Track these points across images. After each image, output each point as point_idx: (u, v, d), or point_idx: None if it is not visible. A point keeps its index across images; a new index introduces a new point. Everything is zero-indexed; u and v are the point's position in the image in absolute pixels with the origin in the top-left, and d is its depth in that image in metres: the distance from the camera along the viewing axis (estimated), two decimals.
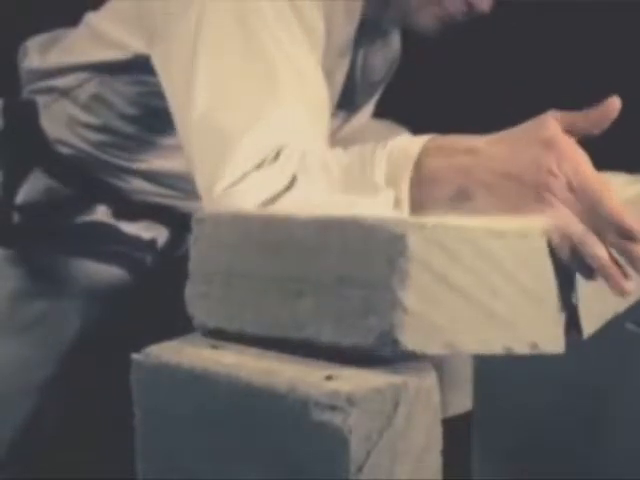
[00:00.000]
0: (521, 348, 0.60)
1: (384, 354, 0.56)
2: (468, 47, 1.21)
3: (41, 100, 1.15)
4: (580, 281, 0.65)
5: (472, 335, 0.58)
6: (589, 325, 0.67)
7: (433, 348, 0.56)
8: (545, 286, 0.63)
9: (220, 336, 0.63)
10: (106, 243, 1.17)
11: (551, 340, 0.63)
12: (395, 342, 0.55)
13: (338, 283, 0.57)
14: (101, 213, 1.16)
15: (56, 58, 1.15)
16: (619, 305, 0.74)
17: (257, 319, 0.61)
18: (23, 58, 1.19)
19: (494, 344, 0.59)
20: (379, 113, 1.39)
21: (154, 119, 1.09)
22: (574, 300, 0.65)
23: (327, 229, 0.59)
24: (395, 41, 1.26)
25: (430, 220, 0.58)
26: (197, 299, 0.65)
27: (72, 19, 1.20)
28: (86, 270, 1.18)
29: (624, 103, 0.66)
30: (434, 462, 0.57)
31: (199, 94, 0.84)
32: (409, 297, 0.55)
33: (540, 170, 0.64)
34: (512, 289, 0.60)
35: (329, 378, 0.54)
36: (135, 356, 0.59)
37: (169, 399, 0.58)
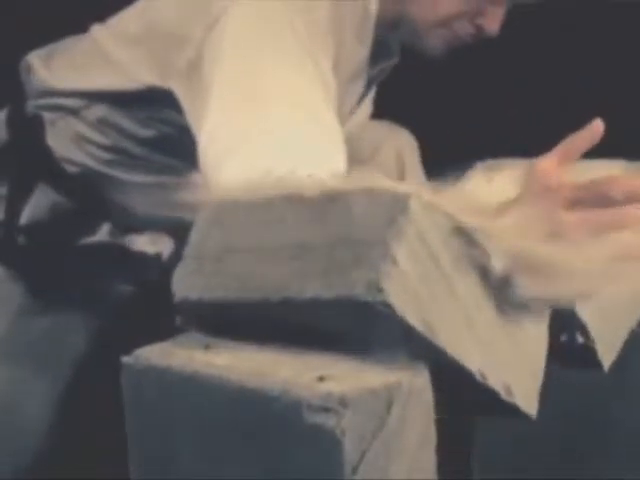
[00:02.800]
0: (495, 382, 0.59)
1: (365, 303, 0.54)
2: (468, 47, 1.21)
3: (47, 116, 1.14)
4: (590, 318, 0.66)
5: (450, 333, 0.57)
6: (608, 356, 0.67)
7: (412, 317, 0.55)
8: (529, 336, 0.63)
9: (208, 324, 0.63)
10: (110, 262, 1.17)
11: (525, 396, 0.62)
12: (380, 291, 0.54)
13: (333, 245, 0.57)
14: (105, 232, 1.16)
15: (63, 77, 1.14)
16: (632, 321, 0.73)
17: (241, 285, 0.60)
18: (27, 73, 1.18)
19: (470, 359, 0.58)
20: (379, 113, 1.39)
21: (163, 142, 1.09)
22: (580, 340, 0.65)
23: (332, 201, 0.59)
24: (395, 51, 1.26)
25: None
26: (184, 276, 0.64)
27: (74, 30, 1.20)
28: (90, 287, 1.19)
29: (623, 92, 0.66)
30: (428, 461, 0.56)
31: (209, 121, 0.87)
32: (401, 253, 0.55)
33: (553, 219, 0.63)
34: (494, 320, 0.60)
35: (321, 379, 0.53)
36: (125, 359, 0.59)
37: (160, 402, 0.58)
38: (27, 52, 1.21)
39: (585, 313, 0.66)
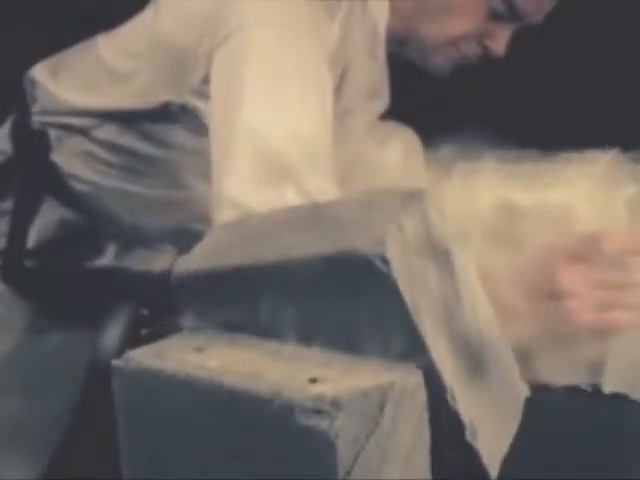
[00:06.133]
0: (464, 413, 0.58)
1: (365, 257, 0.54)
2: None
3: (53, 133, 1.13)
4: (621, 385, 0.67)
5: (434, 332, 0.56)
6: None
7: (404, 285, 0.55)
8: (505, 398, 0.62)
9: (202, 300, 0.63)
10: (115, 285, 1.17)
11: (489, 449, 0.60)
12: (380, 245, 0.54)
13: (343, 221, 0.58)
14: (111, 253, 1.16)
15: (73, 95, 1.12)
16: None
17: (242, 254, 0.61)
18: (31, 86, 1.17)
19: (447, 372, 0.57)
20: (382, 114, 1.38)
21: (173, 160, 1.08)
22: (588, 389, 0.64)
23: (347, 200, 0.61)
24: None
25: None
26: (184, 259, 0.64)
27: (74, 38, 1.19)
28: (95, 307, 1.18)
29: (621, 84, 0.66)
30: (423, 461, 0.56)
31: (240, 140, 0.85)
32: (409, 227, 0.55)
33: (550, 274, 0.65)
34: (472, 369, 0.59)
35: (313, 381, 0.53)
36: (115, 362, 0.58)
37: (152, 405, 0.58)
38: (28, 60, 1.20)
39: (613, 385, 0.67)
